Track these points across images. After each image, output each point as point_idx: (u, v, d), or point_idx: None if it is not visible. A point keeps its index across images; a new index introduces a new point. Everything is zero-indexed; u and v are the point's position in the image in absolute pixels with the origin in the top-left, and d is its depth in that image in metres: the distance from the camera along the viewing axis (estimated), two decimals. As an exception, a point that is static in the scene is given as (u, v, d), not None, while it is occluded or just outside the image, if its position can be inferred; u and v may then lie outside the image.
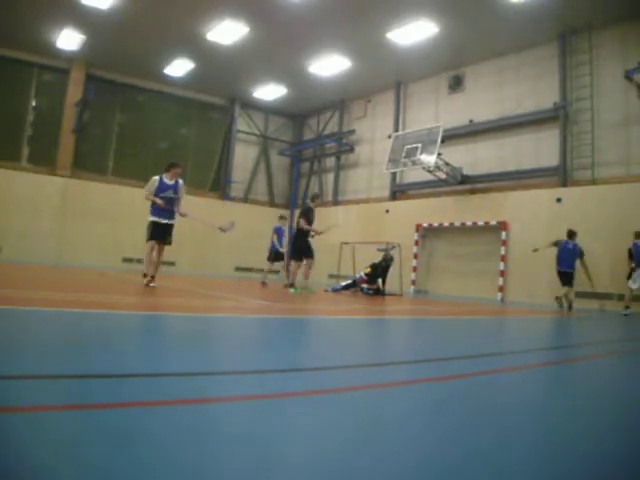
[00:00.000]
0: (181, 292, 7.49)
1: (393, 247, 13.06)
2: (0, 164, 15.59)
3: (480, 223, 13.65)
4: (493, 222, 13.33)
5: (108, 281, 8.86)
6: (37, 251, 15.30)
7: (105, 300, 5.19)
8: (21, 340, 2.64)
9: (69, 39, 15.05)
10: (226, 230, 8.49)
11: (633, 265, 9.56)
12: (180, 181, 7.72)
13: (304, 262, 9.97)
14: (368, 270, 11.24)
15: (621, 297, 10.19)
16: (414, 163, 14.01)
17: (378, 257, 11.99)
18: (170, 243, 7.73)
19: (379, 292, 10.93)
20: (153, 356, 2.52)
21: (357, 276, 11.49)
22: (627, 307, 9.58)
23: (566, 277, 9.71)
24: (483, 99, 14.59)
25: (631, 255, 9.68)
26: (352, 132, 18.76)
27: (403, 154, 14.33)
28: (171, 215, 7.66)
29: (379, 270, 11.12)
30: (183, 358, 2.49)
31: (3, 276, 7.87)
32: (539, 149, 13.11)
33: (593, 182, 11.83)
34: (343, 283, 11.70)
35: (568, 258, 9.73)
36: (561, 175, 12.40)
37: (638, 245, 9.50)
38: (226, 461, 1.22)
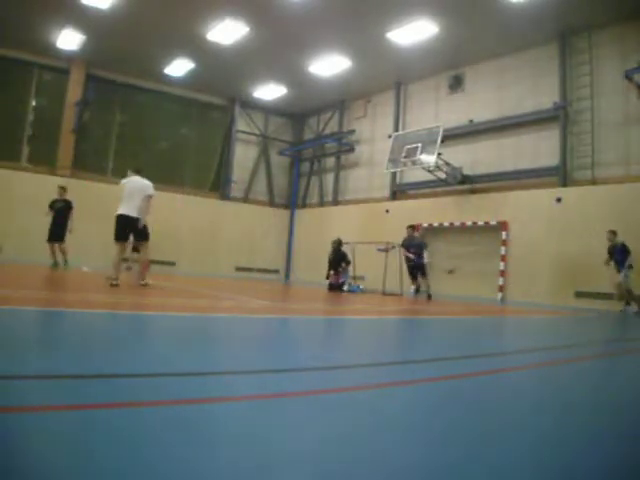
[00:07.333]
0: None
1: (393, 247, 13.09)
2: (0, 164, 15.59)
3: (480, 223, 13.64)
4: (493, 222, 13.33)
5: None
6: (37, 251, 15.28)
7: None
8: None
9: (69, 39, 15.03)
10: None
11: None
12: None
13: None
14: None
15: (622, 297, 10.22)
16: (414, 163, 14.02)
17: (378, 258, 12.11)
18: None
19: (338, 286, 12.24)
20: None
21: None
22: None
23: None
24: (483, 99, 14.58)
25: None
26: (352, 132, 18.75)
27: (403, 154, 14.34)
28: None
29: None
30: (190, 358, 2.50)
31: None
32: (539, 149, 13.10)
33: (593, 182, 11.82)
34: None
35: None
36: (561, 175, 12.39)
37: None
38: (226, 461, 1.22)
